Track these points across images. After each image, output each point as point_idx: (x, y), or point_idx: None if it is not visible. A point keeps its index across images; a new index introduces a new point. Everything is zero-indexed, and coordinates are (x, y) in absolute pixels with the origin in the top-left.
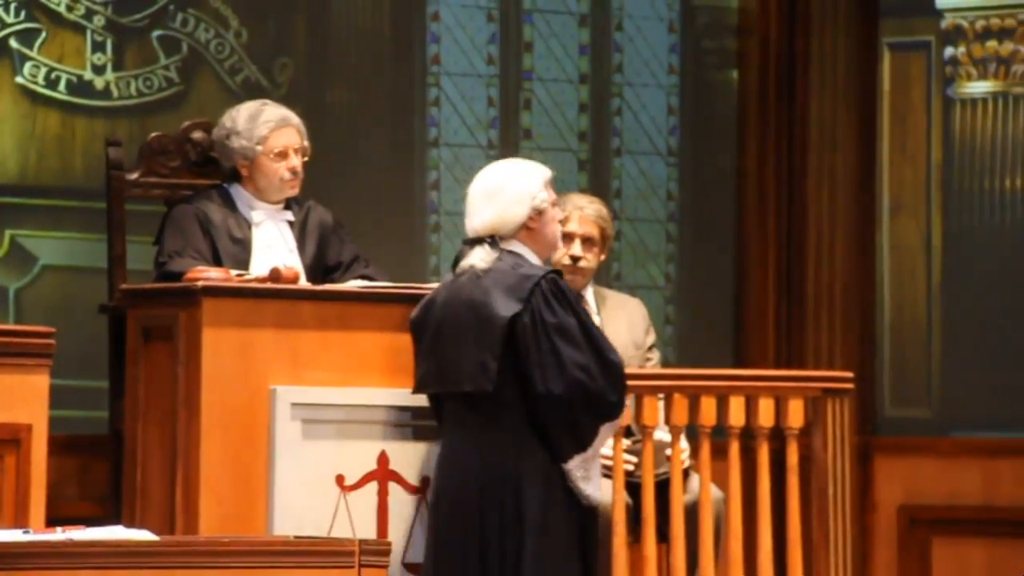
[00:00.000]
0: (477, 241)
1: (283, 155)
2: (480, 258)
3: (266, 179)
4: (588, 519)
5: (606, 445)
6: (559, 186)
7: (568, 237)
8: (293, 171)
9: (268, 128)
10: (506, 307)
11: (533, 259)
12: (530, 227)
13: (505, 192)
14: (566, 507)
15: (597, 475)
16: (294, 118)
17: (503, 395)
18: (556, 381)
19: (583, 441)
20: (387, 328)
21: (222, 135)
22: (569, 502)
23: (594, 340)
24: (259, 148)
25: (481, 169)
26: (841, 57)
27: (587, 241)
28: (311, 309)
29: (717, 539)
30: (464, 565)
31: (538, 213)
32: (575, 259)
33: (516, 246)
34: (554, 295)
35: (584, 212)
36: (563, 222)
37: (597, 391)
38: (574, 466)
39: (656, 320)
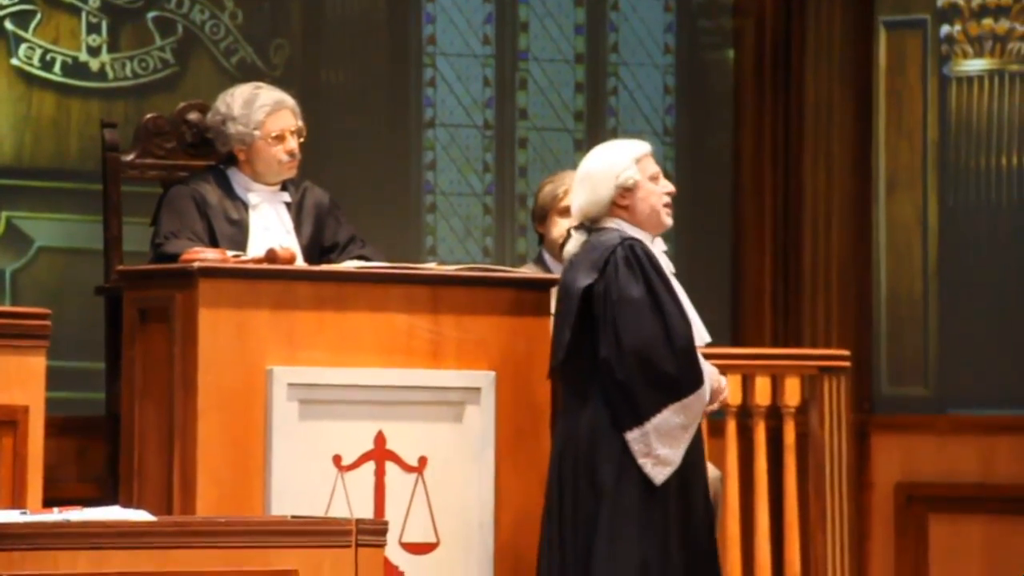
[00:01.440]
0: (578, 227)
1: (280, 138)
2: (570, 246)
3: (264, 163)
4: (660, 493)
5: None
6: (555, 165)
7: (565, 212)
8: (291, 153)
9: (264, 112)
10: (583, 279)
11: (633, 232)
12: (620, 204)
13: (590, 176)
14: (638, 480)
15: (666, 454)
16: (288, 100)
17: (581, 366)
18: (613, 351)
19: (638, 414)
20: (383, 308)
21: (217, 121)
22: (641, 475)
23: (661, 311)
24: (256, 133)
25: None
26: (837, 36)
27: None
28: (307, 290)
29: (714, 517)
30: (549, 535)
31: (626, 190)
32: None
33: (614, 223)
34: (627, 263)
35: None
36: (560, 198)
37: (655, 364)
38: (632, 439)
39: None
